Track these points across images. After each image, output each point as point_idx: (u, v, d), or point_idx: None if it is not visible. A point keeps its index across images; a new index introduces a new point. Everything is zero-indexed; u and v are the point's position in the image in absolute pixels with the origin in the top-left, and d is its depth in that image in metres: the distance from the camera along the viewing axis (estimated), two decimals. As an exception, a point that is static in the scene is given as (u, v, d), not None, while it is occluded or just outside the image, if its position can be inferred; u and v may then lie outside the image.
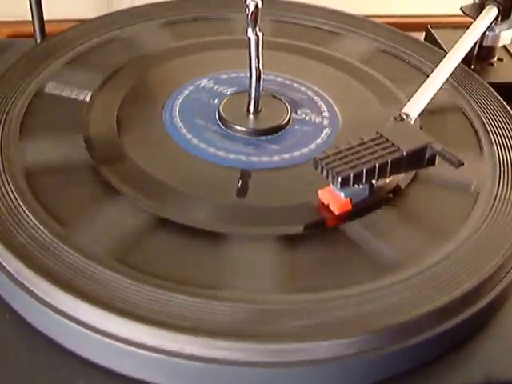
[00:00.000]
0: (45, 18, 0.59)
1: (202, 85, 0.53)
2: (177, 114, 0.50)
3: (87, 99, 0.50)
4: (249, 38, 0.47)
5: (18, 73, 0.52)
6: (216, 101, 0.51)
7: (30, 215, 0.40)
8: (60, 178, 0.44)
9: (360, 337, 0.35)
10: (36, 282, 0.37)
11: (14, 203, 0.41)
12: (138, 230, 0.40)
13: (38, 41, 0.60)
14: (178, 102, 0.51)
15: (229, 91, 0.52)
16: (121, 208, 0.42)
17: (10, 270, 0.38)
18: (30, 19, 0.59)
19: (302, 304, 0.36)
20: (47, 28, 0.60)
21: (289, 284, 0.38)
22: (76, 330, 0.35)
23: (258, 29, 0.47)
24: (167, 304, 0.36)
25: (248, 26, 0.46)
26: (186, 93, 0.52)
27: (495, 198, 0.44)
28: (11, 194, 0.41)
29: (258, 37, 0.47)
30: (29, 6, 0.59)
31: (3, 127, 0.47)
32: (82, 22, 0.59)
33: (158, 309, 0.35)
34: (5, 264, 0.38)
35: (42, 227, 0.39)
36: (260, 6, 0.45)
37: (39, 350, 0.36)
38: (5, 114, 0.48)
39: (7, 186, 0.42)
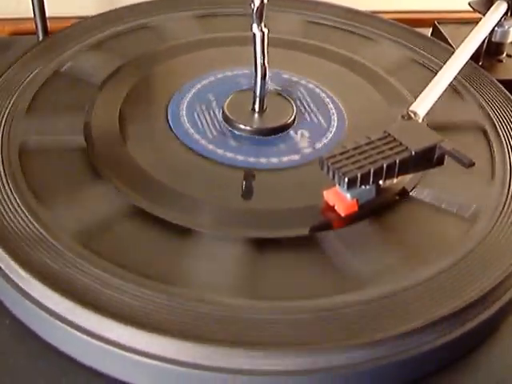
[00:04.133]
0: (47, 15, 0.59)
1: (214, 80, 0.52)
2: (183, 108, 0.49)
3: (99, 83, 0.50)
4: (254, 35, 0.46)
5: (37, 54, 0.53)
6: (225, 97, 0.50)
7: (12, 189, 0.40)
8: (51, 157, 0.44)
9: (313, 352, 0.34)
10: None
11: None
12: (110, 217, 0.40)
13: (41, 38, 0.59)
14: (188, 96, 0.50)
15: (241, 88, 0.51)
16: (99, 193, 0.41)
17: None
18: (32, 16, 0.59)
19: (250, 310, 0.35)
20: (49, 25, 0.59)
21: (246, 289, 0.37)
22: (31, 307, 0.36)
23: (263, 25, 0.46)
24: (116, 292, 0.35)
25: (253, 22, 0.46)
26: (197, 87, 0.51)
27: (493, 225, 0.42)
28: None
29: (263, 33, 0.46)
30: (31, 4, 0.58)
31: (13, 102, 0.48)
32: (85, 18, 0.59)
33: (105, 295, 0.35)
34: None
35: (19, 201, 0.40)
36: (266, 1, 0.44)
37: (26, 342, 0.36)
38: (18, 90, 0.49)
39: None
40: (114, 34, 0.57)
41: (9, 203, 0.40)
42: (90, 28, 0.57)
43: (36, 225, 0.39)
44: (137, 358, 0.34)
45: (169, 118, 0.48)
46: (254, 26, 0.46)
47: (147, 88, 0.51)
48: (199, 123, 0.48)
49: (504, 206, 0.43)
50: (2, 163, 0.42)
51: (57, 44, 0.55)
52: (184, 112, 0.49)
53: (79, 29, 0.57)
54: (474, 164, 0.39)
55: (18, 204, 0.40)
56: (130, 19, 0.59)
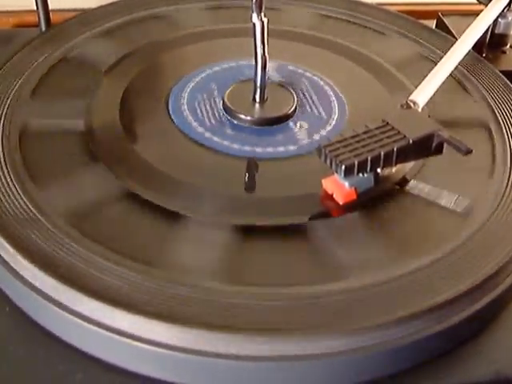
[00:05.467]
0: (49, 8, 0.59)
1: (217, 70, 0.53)
2: (184, 97, 0.49)
3: (104, 70, 0.51)
4: (254, 24, 0.46)
5: (44, 41, 0.54)
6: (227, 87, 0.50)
7: (9, 170, 0.41)
8: (50, 140, 0.45)
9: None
10: None
11: None
12: (102, 200, 0.40)
13: (43, 30, 0.59)
14: (190, 85, 0.50)
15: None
16: (94, 177, 0.42)
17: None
18: (35, 9, 0.59)
19: (229, 295, 0.35)
20: (52, 17, 0.59)
21: (228, 274, 0.37)
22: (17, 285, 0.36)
23: (262, 14, 0.46)
24: (107, 275, 0.35)
25: (253, 12, 0.45)
26: (200, 77, 0.52)
27: (488, 219, 0.41)
28: None
29: (263, 23, 0.46)
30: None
31: (18, 86, 0.48)
32: (88, 10, 0.59)
33: (97, 278, 0.35)
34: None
35: (15, 182, 0.40)
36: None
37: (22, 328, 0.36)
38: (24, 75, 0.50)
39: None
40: (121, 24, 0.57)
41: (5, 183, 0.40)
42: (99, 17, 0.58)
43: (29, 206, 0.39)
44: (136, 343, 0.34)
45: (169, 106, 0.48)
46: (254, 15, 0.46)
47: (150, 76, 0.52)
48: (200, 112, 0.48)
49: (501, 200, 0.42)
50: (2, 145, 0.43)
51: (65, 32, 0.55)
52: (185, 101, 0.49)
53: (88, 17, 0.58)
54: (471, 151, 0.39)
55: (13, 184, 0.40)
56: (137, 9, 0.59)
